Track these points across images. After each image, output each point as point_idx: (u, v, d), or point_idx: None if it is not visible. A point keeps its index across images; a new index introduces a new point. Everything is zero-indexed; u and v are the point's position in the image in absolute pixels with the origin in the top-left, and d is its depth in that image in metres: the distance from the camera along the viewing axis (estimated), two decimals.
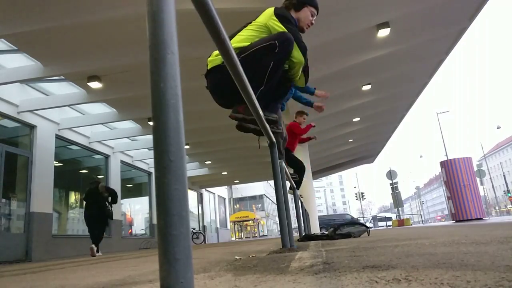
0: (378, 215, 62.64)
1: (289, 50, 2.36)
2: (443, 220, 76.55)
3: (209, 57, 2.46)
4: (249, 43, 2.38)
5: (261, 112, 2.14)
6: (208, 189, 26.38)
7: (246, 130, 2.53)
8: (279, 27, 2.40)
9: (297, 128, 6.40)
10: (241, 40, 2.42)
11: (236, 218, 39.91)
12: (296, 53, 2.42)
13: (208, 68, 2.44)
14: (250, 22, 2.54)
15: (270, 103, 2.62)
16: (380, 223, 41.12)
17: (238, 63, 1.57)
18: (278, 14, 2.46)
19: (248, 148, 15.85)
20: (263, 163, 18.49)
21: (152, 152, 0.63)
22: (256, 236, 41.08)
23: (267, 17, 2.46)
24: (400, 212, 24.04)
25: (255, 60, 2.30)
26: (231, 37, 2.41)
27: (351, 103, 13.53)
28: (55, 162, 10.67)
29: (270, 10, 2.49)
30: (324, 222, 24.16)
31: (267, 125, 2.42)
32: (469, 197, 13.00)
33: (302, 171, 6.58)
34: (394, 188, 20.75)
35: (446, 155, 26.77)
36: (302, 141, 7.03)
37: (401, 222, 20.88)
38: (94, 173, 13.88)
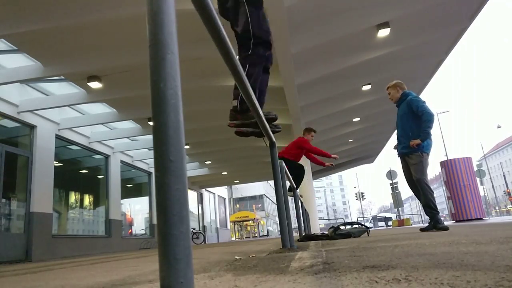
0: (378, 215, 62.56)
1: (262, 55, 2.24)
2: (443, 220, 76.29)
3: None
4: None
5: (261, 112, 2.13)
6: (208, 189, 26.36)
7: (246, 135, 2.51)
8: None
9: (306, 143, 6.57)
10: None
11: (236, 218, 39.91)
12: None
13: None
14: None
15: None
16: (380, 223, 41.05)
17: (239, 63, 1.57)
18: None
19: (248, 148, 15.85)
20: (263, 163, 18.49)
21: (152, 152, 0.63)
22: (256, 236, 41.07)
23: None
24: (400, 212, 24.01)
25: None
26: None
27: (351, 103, 13.52)
28: (55, 162, 10.66)
29: None
30: None
31: (267, 125, 2.41)
32: (469, 197, 12.98)
33: (301, 176, 6.66)
34: (394, 188, 20.70)
35: (446, 155, 26.78)
36: (315, 161, 6.97)
37: (401, 222, 20.85)
38: (94, 173, 13.87)
